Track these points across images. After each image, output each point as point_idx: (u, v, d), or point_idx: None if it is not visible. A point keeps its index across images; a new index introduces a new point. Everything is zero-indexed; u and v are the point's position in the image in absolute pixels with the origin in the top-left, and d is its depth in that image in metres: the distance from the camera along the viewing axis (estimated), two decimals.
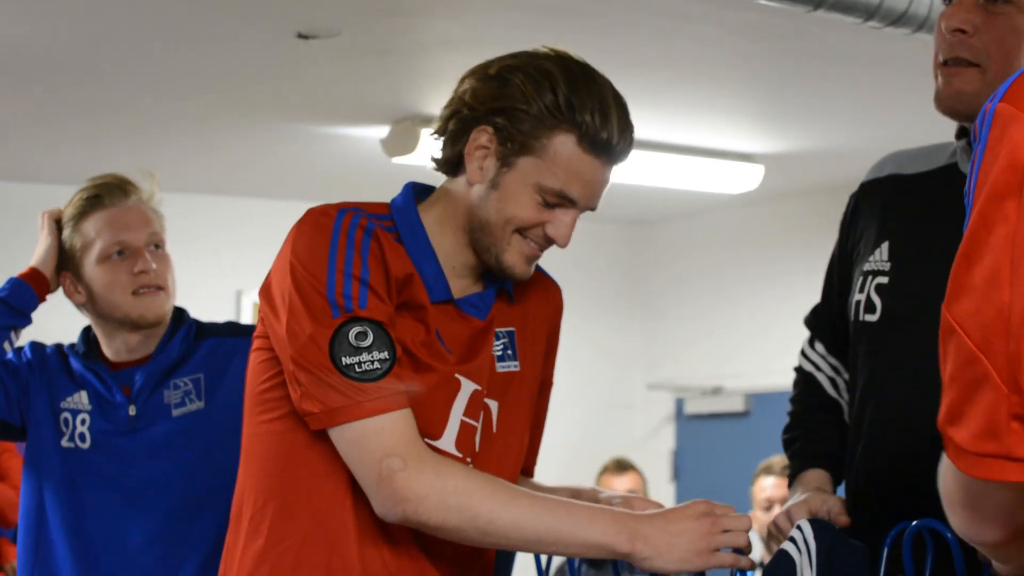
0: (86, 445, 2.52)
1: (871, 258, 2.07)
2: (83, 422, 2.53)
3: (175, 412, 2.54)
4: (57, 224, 2.59)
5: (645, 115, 4.96)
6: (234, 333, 2.64)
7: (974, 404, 1.17)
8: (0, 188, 5.95)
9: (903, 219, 2.06)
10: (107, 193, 2.57)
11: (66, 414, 2.54)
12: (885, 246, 2.06)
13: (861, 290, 2.07)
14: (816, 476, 2.14)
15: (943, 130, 2.10)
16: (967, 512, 1.24)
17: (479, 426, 1.93)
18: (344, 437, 1.80)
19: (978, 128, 1.21)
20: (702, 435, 7.13)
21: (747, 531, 1.82)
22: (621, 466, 5.87)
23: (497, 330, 1.98)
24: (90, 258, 2.55)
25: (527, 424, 2.05)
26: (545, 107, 1.84)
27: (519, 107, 1.85)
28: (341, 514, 1.85)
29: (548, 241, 1.91)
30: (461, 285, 1.95)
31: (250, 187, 6.45)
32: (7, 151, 5.61)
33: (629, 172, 5.62)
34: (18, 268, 2.60)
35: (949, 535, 1.70)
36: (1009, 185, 1.16)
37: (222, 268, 6.40)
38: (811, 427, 2.21)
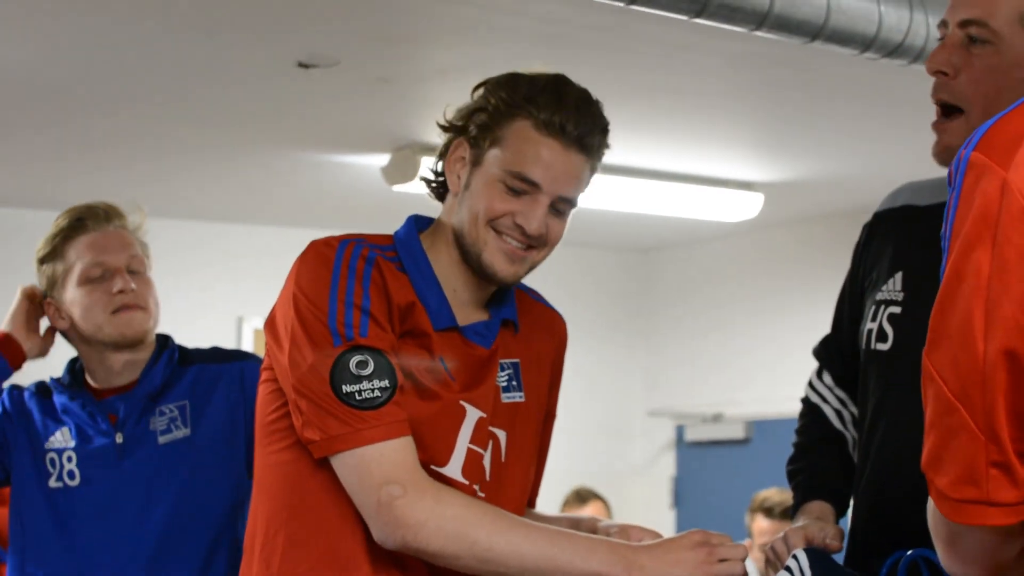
0: (75, 482, 2.51)
1: (884, 287, 2.06)
2: (69, 459, 2.52)
3: (161, 439, 2.53)
4: (29, 299, 2.61)
5: (645, 143, 4.98)
6: (218, 359, 2.64)
7: (953, 451, 1.20)
8: (14, 215, 5.98)
9: (917, 249, 2.05)
10: (90, 217, 2.59)
11: (52, 455, 2.53)
12: (898, 276, 2.05)
13: (873, 319, 2.06)
14: (818, 507, 2.13)
15: None
16: (950, 550, 1.28)
17: (487, 455, 1.94)
18: (345, 464, 1.81)
19: (953, 174, 1.23)
20: (702, 462, 7.12)
21: (743, 560, 1.83)
22: (581, 497, 5.81)
23: (502, 361, 1.99)
24: (71, 282, 2.56)
25: (534, 454, 2.06)
26: (502, 100, 1.92)
27: (483, 107, 1.93)
28: (352, 542, 1.85)
29: (524, 235, 1.91)
30: (466, 313, 1.96)
31: (251, 215, 6.46)
32: (21, 179, 5.65)
33: (629, 200, 5.63)
34: None
35: None
36: (980, 237, 1.17)
37: (223, 295, 6.41)
38: (815, 459, 2.20)
